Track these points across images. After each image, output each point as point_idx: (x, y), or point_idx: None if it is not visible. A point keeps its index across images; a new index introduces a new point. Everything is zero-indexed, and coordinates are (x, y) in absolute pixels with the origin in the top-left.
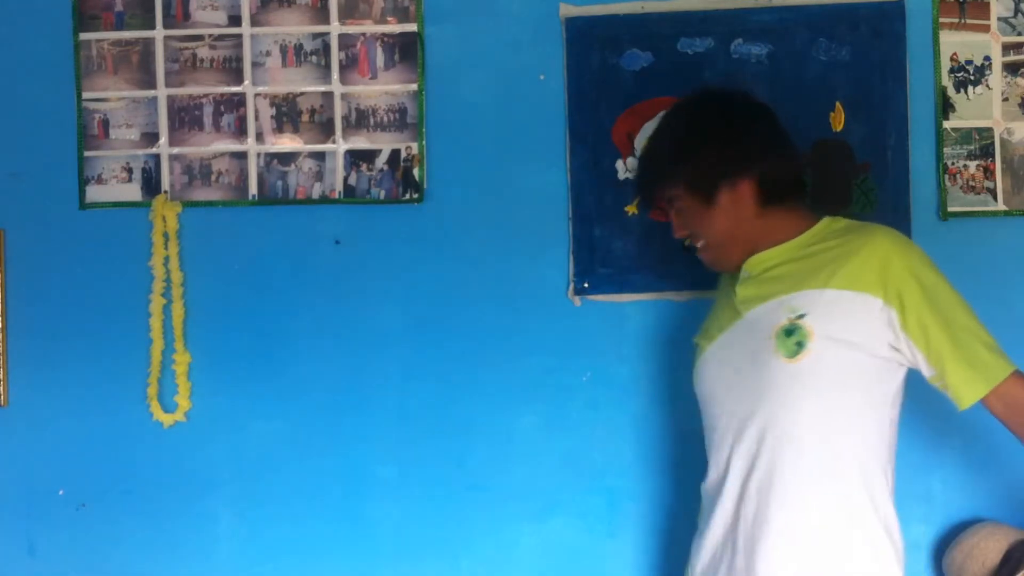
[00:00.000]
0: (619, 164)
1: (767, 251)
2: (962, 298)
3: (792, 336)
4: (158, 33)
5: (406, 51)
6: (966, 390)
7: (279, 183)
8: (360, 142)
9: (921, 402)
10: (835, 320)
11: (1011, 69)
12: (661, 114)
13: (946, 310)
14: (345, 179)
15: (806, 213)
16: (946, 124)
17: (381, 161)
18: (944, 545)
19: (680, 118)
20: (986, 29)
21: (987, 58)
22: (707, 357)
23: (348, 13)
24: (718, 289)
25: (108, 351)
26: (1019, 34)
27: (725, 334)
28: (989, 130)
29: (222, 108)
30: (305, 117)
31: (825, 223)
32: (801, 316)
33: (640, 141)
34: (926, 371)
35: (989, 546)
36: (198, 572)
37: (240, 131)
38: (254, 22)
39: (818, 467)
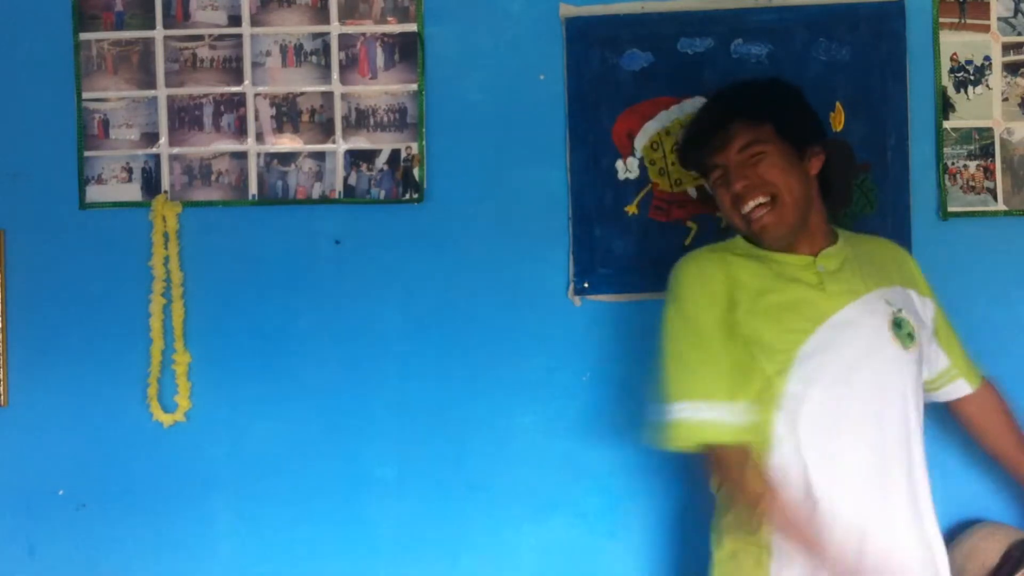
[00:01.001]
0: (619, 164)
1: (832, 247)
2: None
3: (903, 328)
4: (158, 33)
5: (406, 51)
6: (974, 374)
7: (279, 183)
8: (360, 142)
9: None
10: (917, 317)
11: (1011, 69)
12: (684, 104)
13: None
14: (345, 179)
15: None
16: (946, 124)
17: (381, 161)
18: (944, 545)
19: (775, 79)
20: (986, 29)
21: (987, 58)
22: (804, 355)
23: (348, 13)
24: (730, 301)
25: (108, 351)
26: (1019, 34)
27: (823, 330)
28: (989, 130)
29: (222, 108)
30: (305, 117)
31: (841, 230)
32: (900, 310)
33: (640, 141)
34: (942, 363)
35: (989, 546)
36: (198, 572)
37: (240, 131)
38: (254, 22)
39: (920, 448)
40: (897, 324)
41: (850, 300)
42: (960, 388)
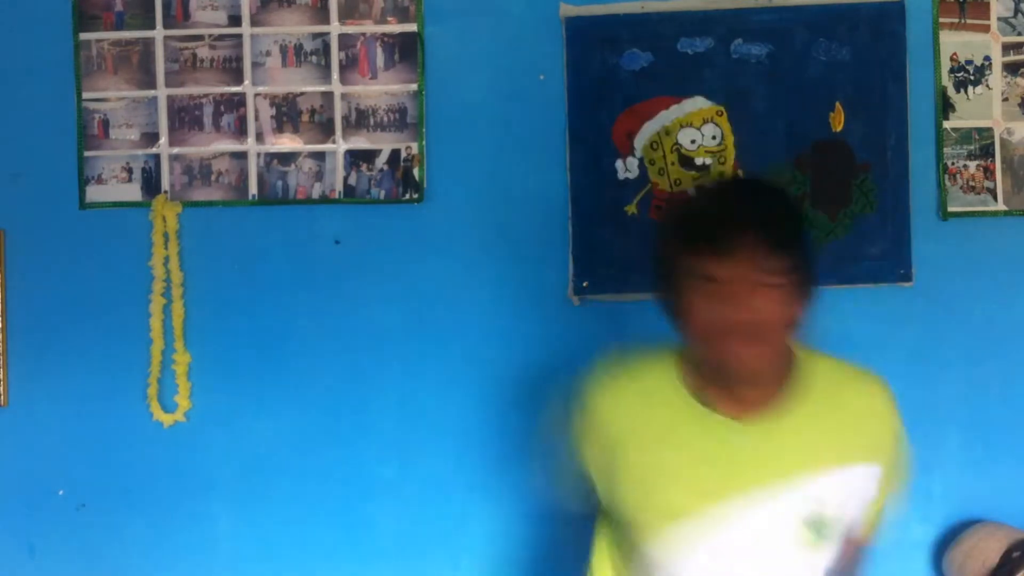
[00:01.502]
0: (619, 164)
1: (783, 410)
2: None
3: (816, 528)
4: (158, 33)
5: (406, 51)
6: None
7: (279, 183)
8: (360, 142)
9: (919, 402)
10: (851, 501)
11: (1011, 69)
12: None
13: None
14: (345, 179)
15: None
16: (946, 124)
17: (381, 161)
18: (944, 545)
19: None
20: (986, 29)
21: (987, 58)
22: (700, 527)
23: (348, 13)
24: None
25: (108, 351)
26: (1019, 34)
27: (724, 505)
28: (989, 130)
29: (222, 108)
30: (305, 117)
31: (808, 359)
32: (822, 503)
33: (640, 141)
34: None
35: (989, 546)
36: (198, 572)
37: (240, 131)
38: (254, 22)
39: None
40: (812, 525)
41: (766, 481)
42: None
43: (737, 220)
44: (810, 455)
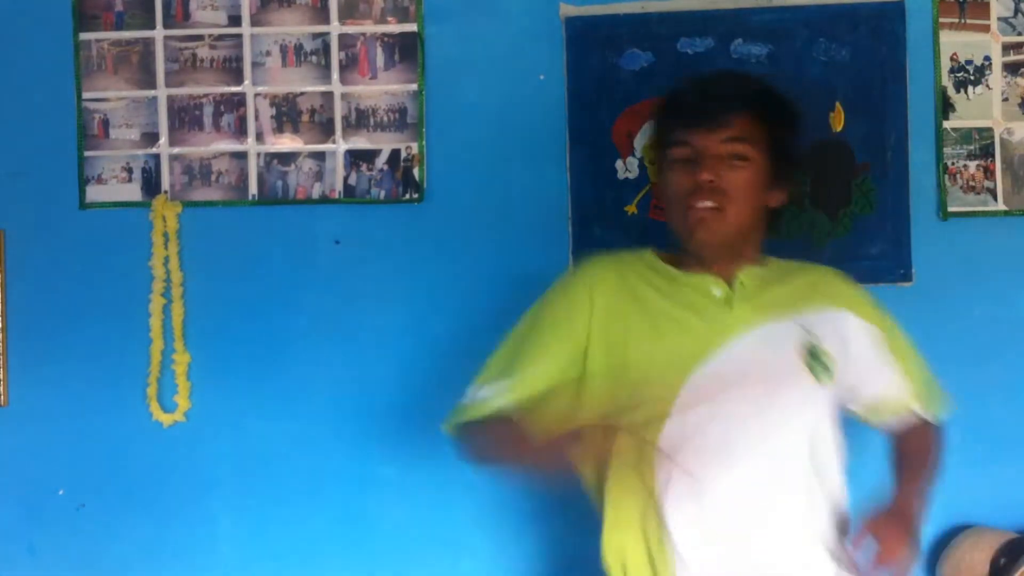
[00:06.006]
0: (619, 164)
1: (756, 267)
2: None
3: (818, 359)
4: (158, 33)
5: (406, 51)
6: (927, 404)
7: (279, 183)
8: (360, 142)
9: None
10: (844, 341)
11: (1011, 69)
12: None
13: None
14: (345, 179)
15: None
16: (946, 124)
17: (381, 161)
18: (938, 550)
19: (793, 101)
20: (986, 29)
21: (987, 58)
22: (701, 374)
23: (348, 13)
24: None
25: (108, 351)
26: (1019, 34)
27: (722, 352)
28: (989, 130)
29: (222, 108)
30: (305, 117)
31: (775, 259)
32: (816, 335)
33: (640, 141)
34: (895, 390)
35: (975, 557)
36: (198, 572)
37: (240, 131)
38: (254, 22)
39: (824, 490)
40: (812, 354)
41: (759, 323)
42: (904, 410)
43: (716, 94)
44: (786, 301)
